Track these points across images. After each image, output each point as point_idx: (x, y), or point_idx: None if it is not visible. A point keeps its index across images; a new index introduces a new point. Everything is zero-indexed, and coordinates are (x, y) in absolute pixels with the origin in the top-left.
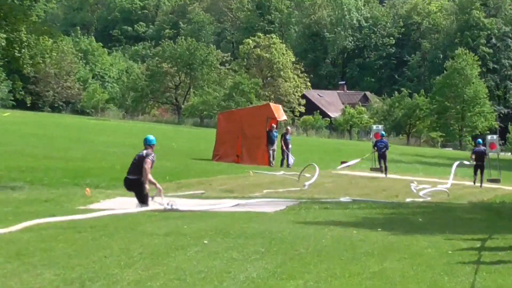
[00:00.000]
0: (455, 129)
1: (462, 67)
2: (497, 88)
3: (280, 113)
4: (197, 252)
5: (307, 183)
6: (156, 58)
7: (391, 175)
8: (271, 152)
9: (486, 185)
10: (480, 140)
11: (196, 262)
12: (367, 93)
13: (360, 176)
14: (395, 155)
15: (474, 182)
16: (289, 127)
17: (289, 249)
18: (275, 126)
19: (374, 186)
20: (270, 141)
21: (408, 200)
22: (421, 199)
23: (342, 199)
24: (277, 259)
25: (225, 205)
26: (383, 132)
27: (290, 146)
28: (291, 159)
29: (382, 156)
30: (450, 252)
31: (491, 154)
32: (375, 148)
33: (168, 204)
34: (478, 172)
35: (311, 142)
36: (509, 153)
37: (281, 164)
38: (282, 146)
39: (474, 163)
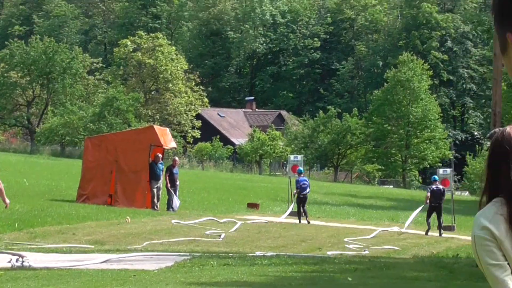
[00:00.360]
0: (397, 161)
1: (408, 78)
2: (452, 106)
3: (168, 139)
4: None
5: (222, 235)
6: (2, 64)
7: (313, 222)
8: (155, 190)
9: (435, 233)
10: (436, 176)
11: None
12: (283, 112)
13: (273, 223)
14: (318, 195)
15: (428, 231)
16: (176, 158)
17: None
18: (160, 156)
19: (291, 236)
20: (154, 176)
21: (332, 253)
22: (353, 252)
23: (249, 254)
24: None
25: (93, 261)
26: (301, 168)
27: (177, 183)
28: (176, 201)
29: (304, 199)
30: None
31: None
32: (297, 188)
33: (17, 260)
34: (433, 216)
35: (208, 177)
36: (466, 193)
37: (168, 207)
38: (167, 184)
39: (427, 205)
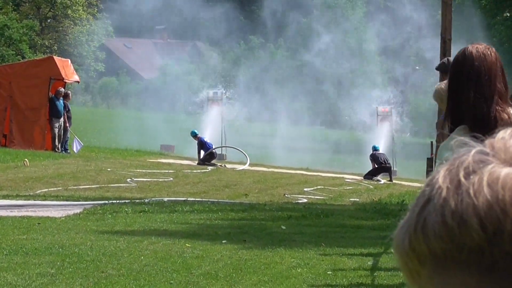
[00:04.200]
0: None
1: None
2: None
3: (69, 72)
4: None
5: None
6: None
7: (236, 166)
8: (55, 130)
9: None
10: (376, 145)
11: None
12: (199, 43)
13: (189, 166)
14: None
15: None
16: (68, 91)
17: (91, 269)
18: (62, 90)
19: (213, 180)
20: (56, 113)
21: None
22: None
23: (166, 199)
24: (74, 284)
25: None
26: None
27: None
28: (77, 144)
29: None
30: (329, 273)
31: None
32: None
33: None
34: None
35: (115, 116)
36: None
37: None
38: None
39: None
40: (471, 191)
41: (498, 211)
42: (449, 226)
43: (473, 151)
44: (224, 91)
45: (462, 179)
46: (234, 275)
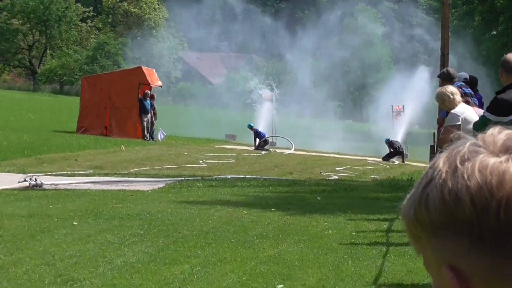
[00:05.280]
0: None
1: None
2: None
3: (154, 78)
4: (66, 235)
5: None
6: (4, 12)
7: (283, 151)
8: (144, 123)
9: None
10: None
11: (65, 245)
12: (254, 56)
13: (247, 151)
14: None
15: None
16: (153, 94)
17: (171, 231)
18: (149, 93)
19: (265, 162)
20: (144, 110)
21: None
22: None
23: (229, 177)
24: (158, 242)
25: (94, 182)
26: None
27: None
28: (161, 134)
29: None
30: (354, 234)
31: None
32: None
33: (30, 179)
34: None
35: (190, 112)
36: (416, 126)
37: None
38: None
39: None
40: (465, 175)
41: (486, 192)
42: (446, 201)
43: (468, 143)
44: (274, 92)
45: (459, 164)
46: (280, 235)
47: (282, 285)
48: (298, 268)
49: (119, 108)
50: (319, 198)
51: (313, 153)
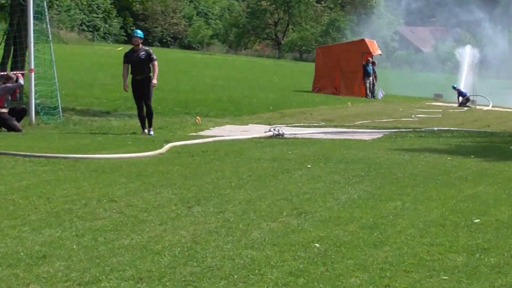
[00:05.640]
0: None
1: None
2: None
3: (375, 48)
4: (301, 176)
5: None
6: None
7: (482, 107)
8: (367, 84)
9: None
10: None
11: (300, 184)
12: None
13: (452, 107)
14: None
15: None
16: (375, 60)
17: (387, 173)
18: (371, 60)
19: (467, 117)
20: (366, 73)
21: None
22: None
23: (436, 129)
24: (376, 182)
25: (326, 132)
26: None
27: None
28: (381, 93)
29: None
30: None
31: None
32: None
33: (274, 129)
34: None
35: (408, 75)
36: None
37: (371, 95)
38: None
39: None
40: None
41: None
42: None
43: None
44: (475, 56)
45: None
46: (477, 178)
47: (478, 219)
48: (492, 206)
49: (346, 72)
50: (511, 147)
51: (509, 109)
